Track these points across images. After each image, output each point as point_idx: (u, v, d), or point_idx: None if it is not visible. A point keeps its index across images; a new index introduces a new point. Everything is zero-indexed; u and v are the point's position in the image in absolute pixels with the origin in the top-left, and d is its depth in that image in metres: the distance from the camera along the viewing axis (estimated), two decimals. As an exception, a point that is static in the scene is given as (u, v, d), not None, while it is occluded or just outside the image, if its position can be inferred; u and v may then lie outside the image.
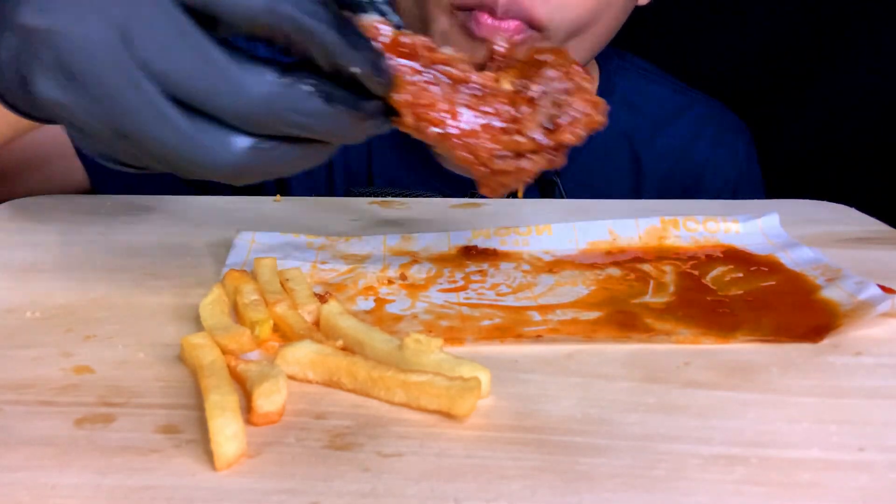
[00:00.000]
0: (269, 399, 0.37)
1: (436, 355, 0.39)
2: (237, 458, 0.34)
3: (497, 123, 0.43)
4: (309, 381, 0.40)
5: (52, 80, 0.37)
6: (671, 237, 0.60)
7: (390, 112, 0.42)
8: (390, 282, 0.53)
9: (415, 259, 0.56)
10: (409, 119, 0.42)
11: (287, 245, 0.58)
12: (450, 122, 0.42)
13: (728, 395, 0.40)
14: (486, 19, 0.71)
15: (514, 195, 0.80)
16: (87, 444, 0.35)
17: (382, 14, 0.43)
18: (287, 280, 0.49)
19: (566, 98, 0.44)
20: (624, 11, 0.79)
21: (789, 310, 0.49)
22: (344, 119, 0.40)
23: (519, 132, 0.43)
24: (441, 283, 0.53)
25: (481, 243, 0.59)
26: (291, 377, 0.40)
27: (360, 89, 0.41)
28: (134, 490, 0.32)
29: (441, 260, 0.57)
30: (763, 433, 0.37)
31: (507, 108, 0.43)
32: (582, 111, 0.44)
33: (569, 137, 0.44)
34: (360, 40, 0.39)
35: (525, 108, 0.43)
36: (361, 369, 0.39)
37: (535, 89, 0.44)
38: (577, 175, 0.89)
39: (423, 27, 0.77)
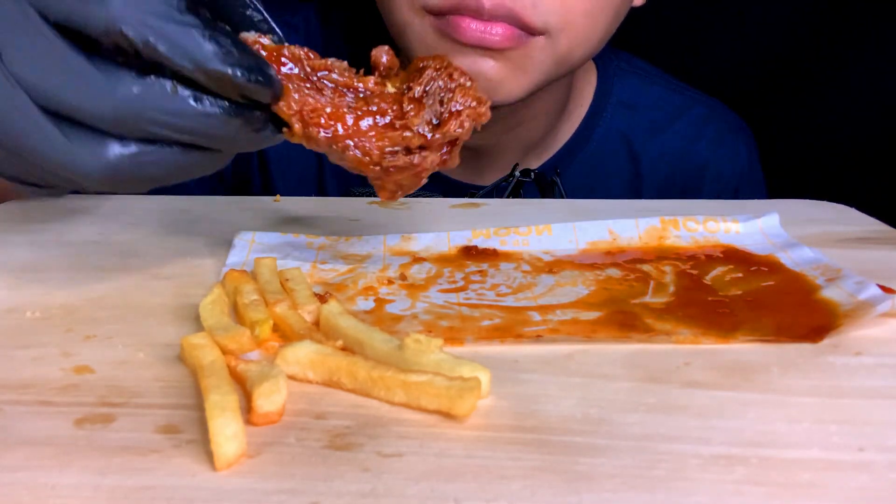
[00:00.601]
0: (269, 399, 0.37)
1: (436, 355, 0.39)
2: (237, 458, 0.34)
3: (383, 122, 0.44)
4: (309, 381, 0.40)
5: None
6: (671, 237, 0.60)
7: (279, 123, 0.43)
8: (390, 282, 0.53)
9: (415, 259, 0.56)
10: (297, 127, 0.43)
11: (287, 245, 0.58)
12: (337, 124, 0.43)
13: (728, 395, 0.40)
14: (471, 24, 0.70)
15: (514, 195, 0.80)
16: (87, 444, 0.35)
17: (263, 32, 0.44)
18: (287, 280, 0.49)
19: (450, 95, 0.45)
20: (620, 12, 0.78)
21: (789, 310, 0.48)
22: (220, 122, 0.40)
23: (406, 127, 0.44)
24: (441, 284, 0.53)
25: (481, 243, 0.59)
26: (291, 377, 0.40)
27: (250, 101, 0.41)
28: (134, 490, 0.32)
29: (441, 260, 0.57)
30: (763, 433, 0.37)
31: (392, 107, 0.44)
32: (466, 104, 0.45)
33: (455, 129, 0.45)
34: (237, 48, 0.39)
35: (410, 106, 0.44)
36: (361, 369, 0.39)
37: (419, 90, 0.45)
38: (577, 175, 0.89)
39: (399, 34, 0.76)
